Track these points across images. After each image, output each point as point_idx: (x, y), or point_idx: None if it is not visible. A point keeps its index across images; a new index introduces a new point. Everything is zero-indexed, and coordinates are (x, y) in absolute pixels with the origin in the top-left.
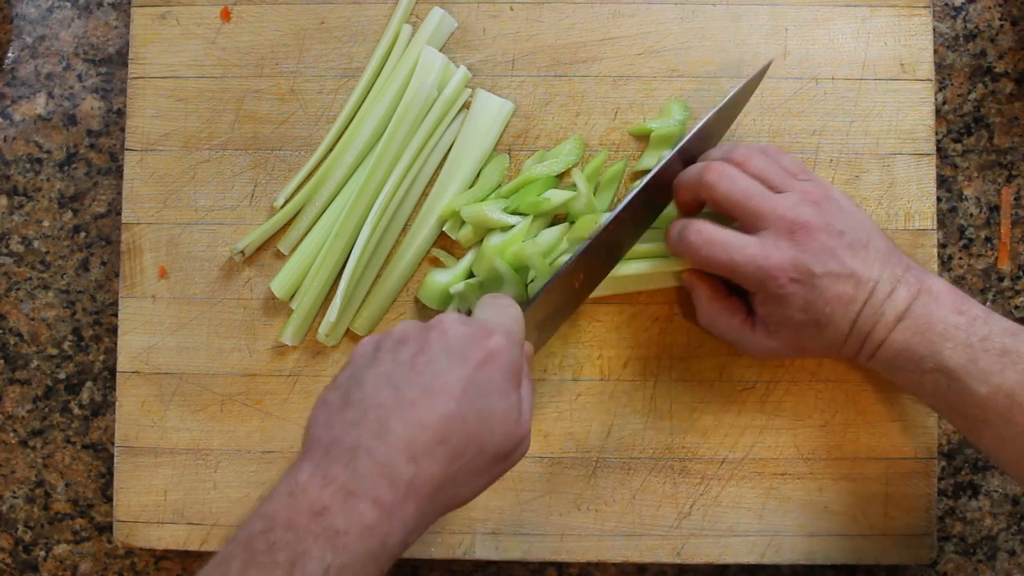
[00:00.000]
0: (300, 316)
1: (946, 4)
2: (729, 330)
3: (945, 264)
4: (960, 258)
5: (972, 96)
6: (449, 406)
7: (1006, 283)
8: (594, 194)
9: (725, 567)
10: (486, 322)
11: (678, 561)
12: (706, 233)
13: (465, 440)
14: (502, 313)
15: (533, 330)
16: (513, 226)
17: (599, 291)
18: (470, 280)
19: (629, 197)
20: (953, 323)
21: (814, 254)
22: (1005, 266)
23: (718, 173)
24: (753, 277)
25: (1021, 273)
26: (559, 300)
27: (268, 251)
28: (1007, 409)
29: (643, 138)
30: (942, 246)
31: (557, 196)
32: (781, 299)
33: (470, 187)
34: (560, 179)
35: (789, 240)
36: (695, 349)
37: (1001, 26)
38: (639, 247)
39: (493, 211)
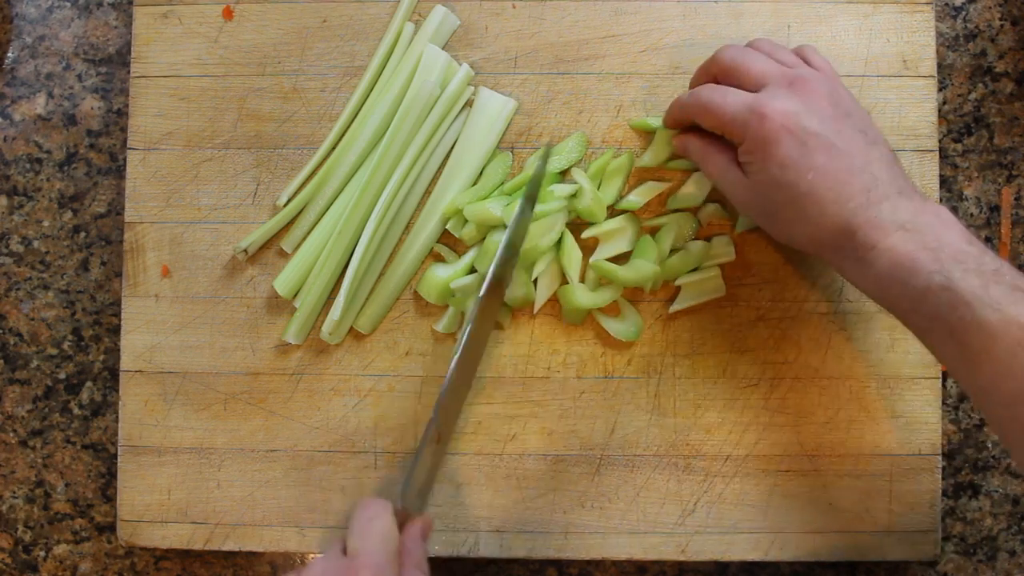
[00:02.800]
0: (303, 315)
1: (946, 4)
2: (722, 171)
3: None
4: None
5: (972, 96)
6: None
7: None
8: (598, 189)
9: (726, 565)
10: (352, 558)
11: (682, 558)
12: (705, 90)
13: None
14: (368, 535)
15: (417, 499)
16: None
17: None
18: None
19: (462, 339)
20: (963, 249)
21: (813, 112)
22: None
23: (711, 88)
24: (745, 121)
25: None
26: (430, 461)
27: (271, 250)
28: (1017, 341)
29: (644, 134)
30: None
31: (561, 190)
32: (766, 143)
33: (473, 185)
34: (564, 176)
35: (788, 90)
36: (698, 347)
37: (1001, 26)
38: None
39: (497, 208)
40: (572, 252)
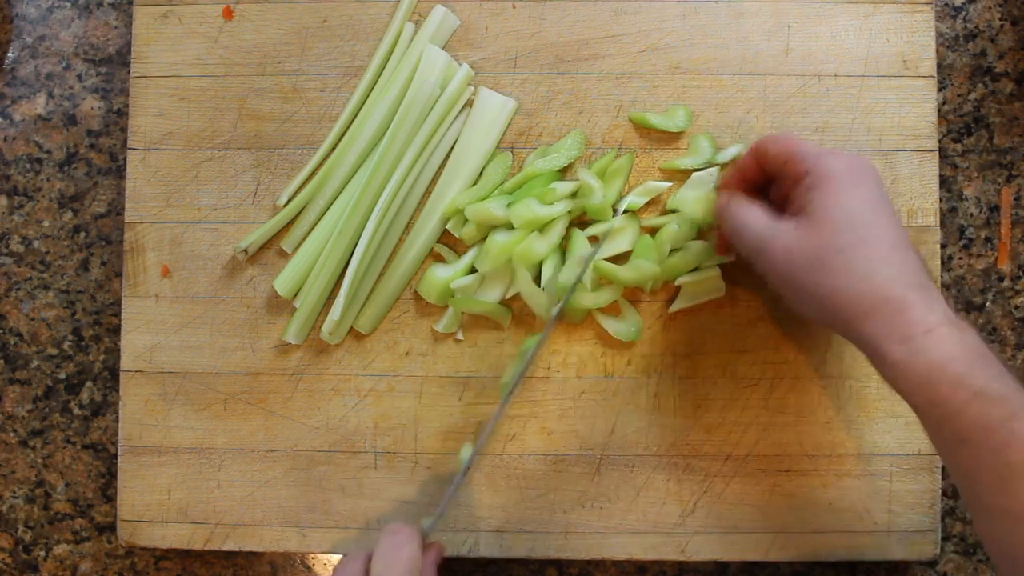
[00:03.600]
0: (304, 315)
1: (946, 4)
2: (760, 220)
3: (945, 264)
4: (960, 258)
5: (972, 96)
6: None
7: (1006, 283)
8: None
9: (726, 565)
10: None
11: (682, 558)
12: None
13: None
14: (395, 564)
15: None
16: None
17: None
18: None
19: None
20: (1004, 367)
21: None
22: (1005, 266)
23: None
24: (818, 155)
25: (1021, 273)
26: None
27: (271, 250)
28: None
29: (644, 133)
30: (942, 246)
31: (562, 187)
32: (842, 177)
33: (473, 185)
34: (563, 174)
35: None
36: (699, 346)
37: (1001, 26)
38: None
39: (497, 208)
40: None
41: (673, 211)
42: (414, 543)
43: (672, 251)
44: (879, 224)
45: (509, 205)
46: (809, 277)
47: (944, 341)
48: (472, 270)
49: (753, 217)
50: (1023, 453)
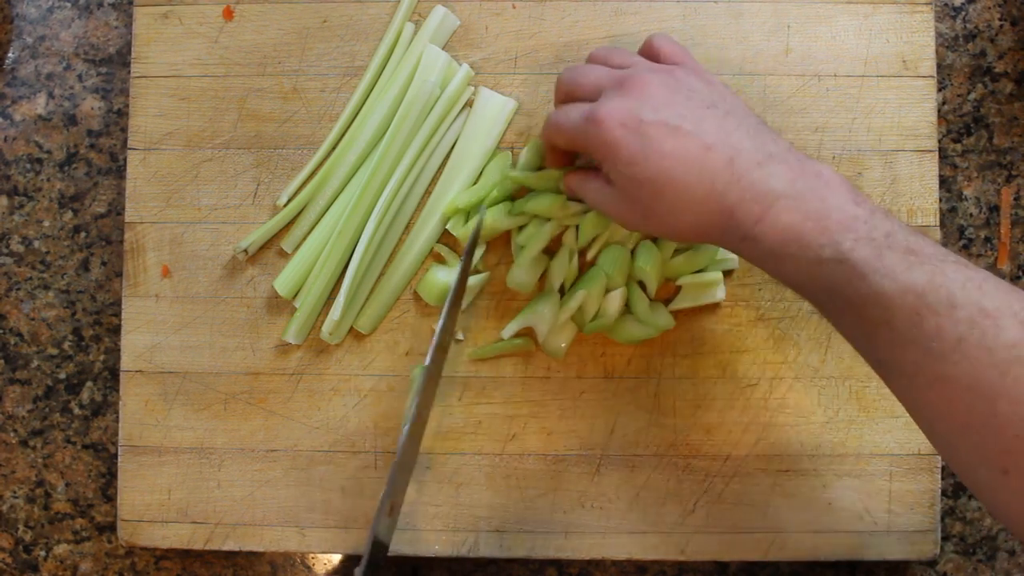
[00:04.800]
0: (304, 314)
1: (946, 4)
2: (595, 193)
3: None
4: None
5: (972, 96)
6: None
7: None
8: None
9: (726, 565)
10: None
11: (682, 558)
12: (551, 115)
13: None
14: None
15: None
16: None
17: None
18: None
19: (410, 413)
20: (852, 214)
21: (645, 100)
22: (1005, 266)
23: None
24: (585, 131)
25: (1021, 273)
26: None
27: (271, 250)
28: (915, 310)
29: None
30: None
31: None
32: (608, 147)
33: (473, 185)
34: None
35: (620, 91)
36: (698, 347)
37: (1001, 26)
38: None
39: (502, 220)
40: (654, 260)
41: None
42: None
43: (676, 251)
44: (669, 148)
45: (510, 213)
46: (652, 226)
47: (773, 227)
48: (475, 271)
49: (592, 190)
50: (877, 310)
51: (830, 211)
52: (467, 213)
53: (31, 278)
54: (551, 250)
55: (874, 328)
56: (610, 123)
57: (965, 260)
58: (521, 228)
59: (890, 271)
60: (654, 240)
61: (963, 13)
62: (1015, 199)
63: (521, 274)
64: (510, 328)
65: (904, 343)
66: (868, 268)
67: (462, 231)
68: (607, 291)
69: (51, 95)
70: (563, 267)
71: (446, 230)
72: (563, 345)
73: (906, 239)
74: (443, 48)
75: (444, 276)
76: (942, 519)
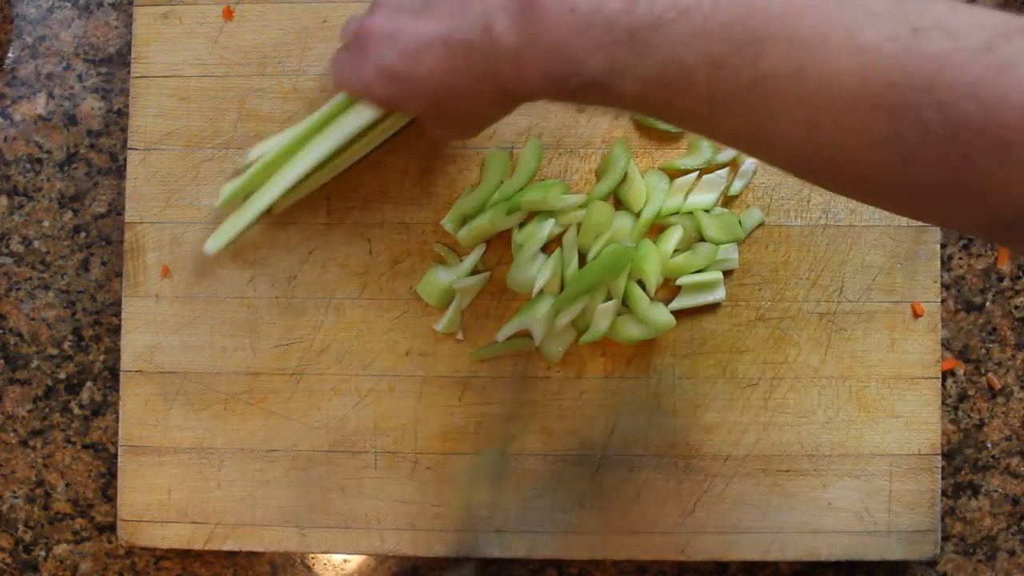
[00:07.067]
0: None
1: None
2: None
3: (945, 264)
4: (960, 258)
5: None
6: None
7: (1006, 283)
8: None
9: (726, 565)
10: None
11: (682, 558)
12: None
13: None
14: None
15: None
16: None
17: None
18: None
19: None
20: (569, 25)
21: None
22: (1005, 266)
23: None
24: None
25: (1021, 273)
26: None
27: (271, 250)
28: (668, 94)
29: (645, 132)
30: (942, 246)
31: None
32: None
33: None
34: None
35: (360, 49)
36: (698, 346)
37: None
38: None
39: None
40: (654, 260)
41: (674, 213)
42: None
43: (675, 252)
44: (425, 84)
45: (509, 212)
46: (462, 126)
47: (529, 75)
48: (474, 271)
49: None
50: (636, 103)
51: (555, 38)
52: (466, 216)
53: (31, 278)
54: (552, 250)
55: (644, 106)
56: (369, 84)
57: None
58: (522, 226)
59: (625, 71)
60: (654, 240)
61: None
62: None
63: (520, 274)
64: (505, 331)
65: (683, 117)
66: (607, 79)
67: (462, 234)
68: (608, 294)
69: (51, 95)
70: (560, 267)
71: (446, 232)
72: (560, 349)
73: (625, 26)
74: None
75: (444, 276)
76: (942, 519)
